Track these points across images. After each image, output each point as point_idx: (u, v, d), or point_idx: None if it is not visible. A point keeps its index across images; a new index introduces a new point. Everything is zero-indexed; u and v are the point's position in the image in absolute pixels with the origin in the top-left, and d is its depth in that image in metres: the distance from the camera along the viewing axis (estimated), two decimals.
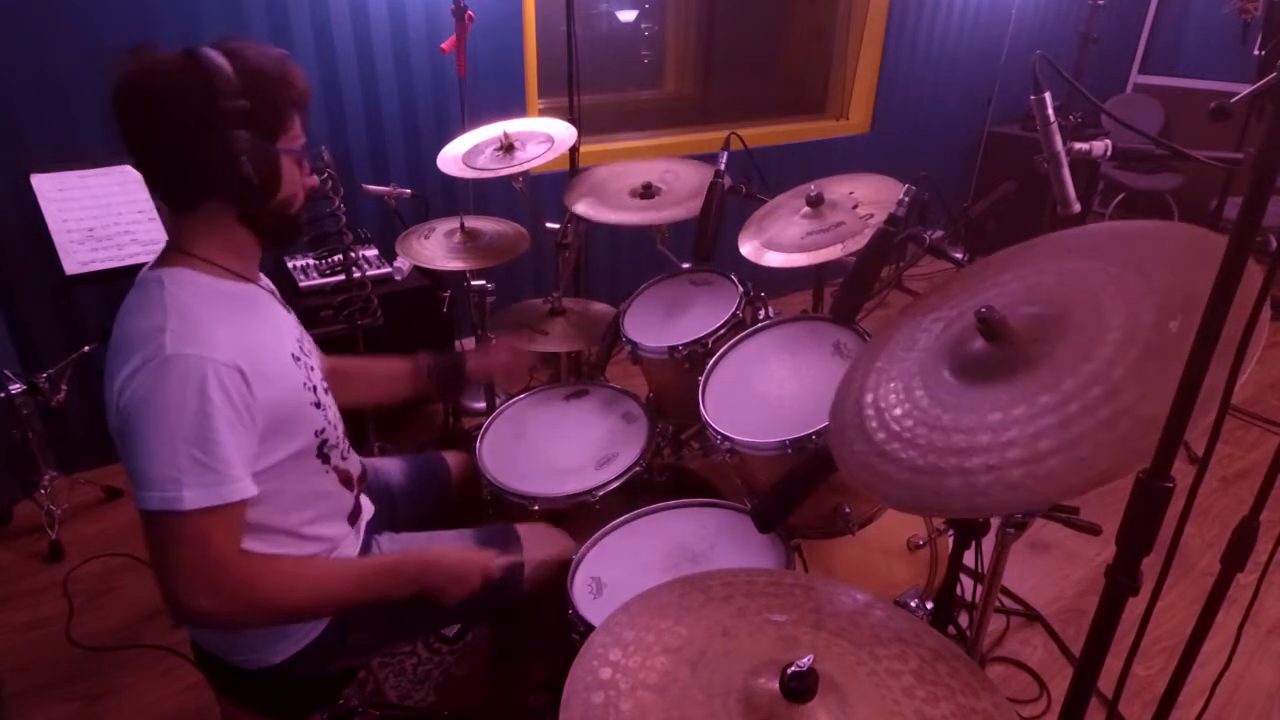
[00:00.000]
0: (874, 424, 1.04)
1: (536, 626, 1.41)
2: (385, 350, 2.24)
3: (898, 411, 1.03)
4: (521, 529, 1.40)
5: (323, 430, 1.16)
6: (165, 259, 1.06)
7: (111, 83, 0.97)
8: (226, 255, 1.08)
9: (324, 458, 1.17)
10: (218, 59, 0.97)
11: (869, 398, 1.09)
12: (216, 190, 1.02)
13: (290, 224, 1.13)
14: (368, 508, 1.35)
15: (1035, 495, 0.82)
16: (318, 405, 1.15)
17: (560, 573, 1.34)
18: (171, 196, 1.05)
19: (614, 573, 1.33)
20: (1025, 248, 1.14)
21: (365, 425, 2.34)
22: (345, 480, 1.23)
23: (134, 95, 0.96)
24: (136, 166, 1.02)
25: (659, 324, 1.79)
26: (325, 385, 1.21)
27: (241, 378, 0.98)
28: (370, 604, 1.12)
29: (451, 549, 1.24)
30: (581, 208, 2.02)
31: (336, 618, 1.19)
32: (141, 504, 0.94)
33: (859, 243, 1.55)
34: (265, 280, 1.20)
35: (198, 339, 0.96)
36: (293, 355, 1.12)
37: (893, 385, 1.08)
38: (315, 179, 1.14)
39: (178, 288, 1.01)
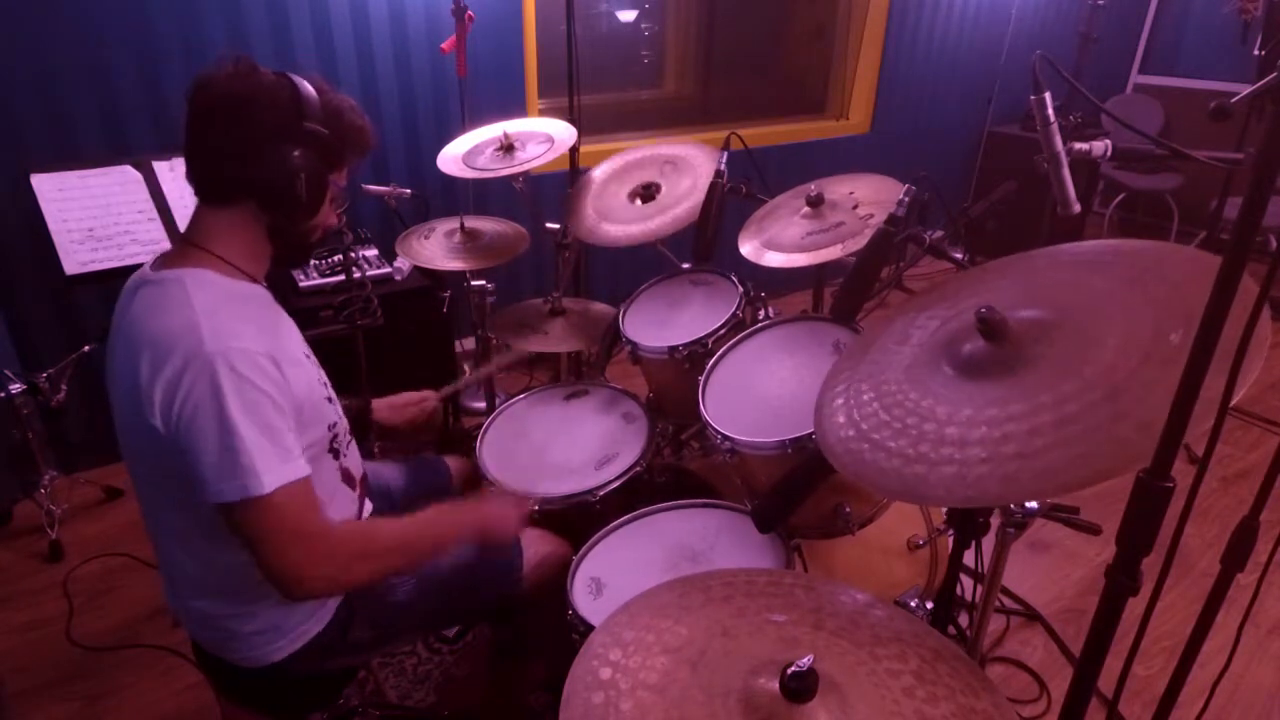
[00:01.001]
0: (859, 414, 1.05)
1: (536, 626, 1.41)
2: (385, 351, 2.26)
3: (886, 402, 1.03)
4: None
5: (334, 424, 1.19)
6: (180, 257, 1.07)
7: (204, 76, 1.04)
8: (242, 257, 1.10)
9: (334, 453, 1.19)
10: (309, 87, 1.07)
11: (856, 389, 1.09)
12: (262, 194, 1.07)
13: (306, 248, 1.20)
14: (367, 509, 1.35)
15: (1030, 488, 0.83)
16: (329, 400, 1.18)
17: (560, 573, 1.34)
18: (213, 187, 1.08)
19: (614, 573, 1.33)
20: (1022, 258, 1.15)
21: (366, 425, 2.34)
22: (348, 479, 1.24)
23: (226, 90, 1.03)
24: (190, 151, 1.06)
25: (659, 324, 1.79)
26: (330, 383, 1.23)
27: (276, 367, 1.01)
28: (435, 552, 1.20)
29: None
30: (586, 228, 2.02)
31: (336, 616, 1.19)
32: (219, 497, 0.96)
33: (859, 243, 1.55)
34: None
35: (234, 333, 0.99)
36: (304, 353, 1.16)
37: (882, 378, 1.08)
38: (335, 220, 1.20)
39: (200, 288, 1.03)
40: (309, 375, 1.13)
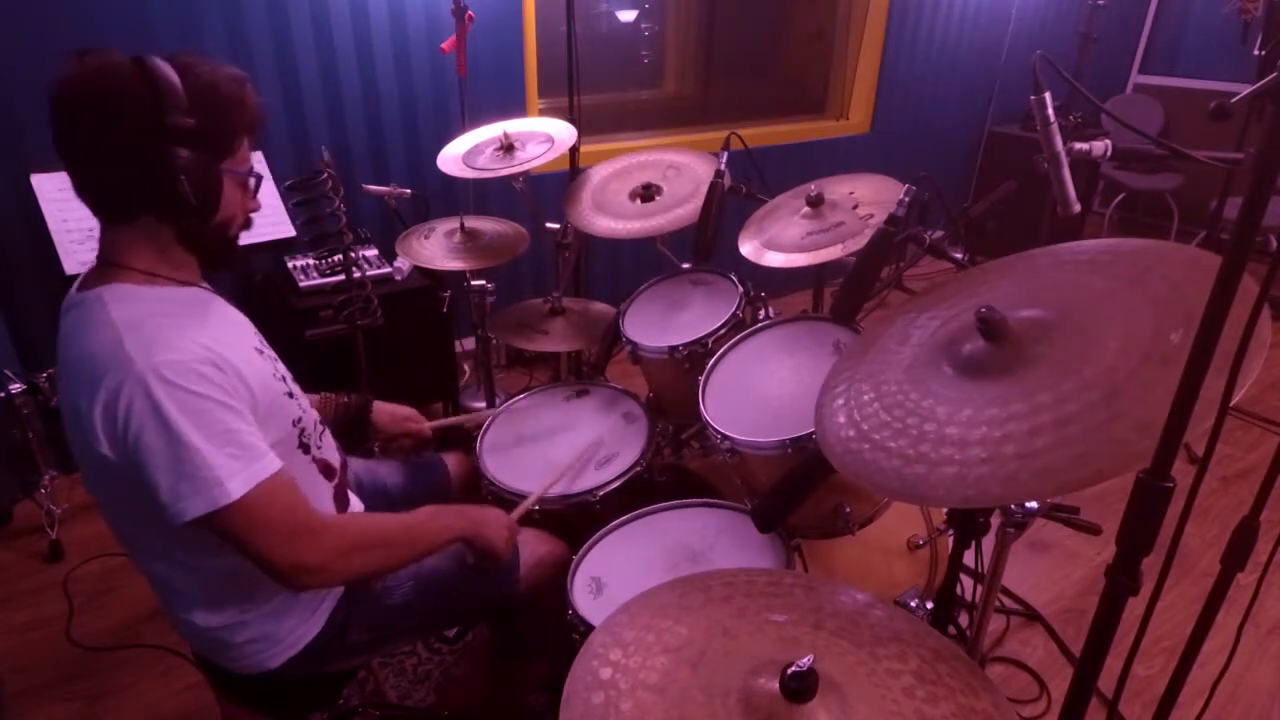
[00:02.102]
0: (860, 414, 1.05)
1: (536, 626, 1.41)
2: (385, 351, 2.26)
3: (887, 402, 1.03)
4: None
5: (299, 420, 1.15)
6: (99, 276, 1.02)
7: (52, 81, 0.93)
8: (161, 266, 1.04)
9: (304, 448, 1.17)
10: (169, 72, 0.94)
11: (856, 389, 1.09)
12: (152, 206, 0.99)
13: (226, 245, 1.10)
14: (356, 504, 1.34)
15: (1030, 488, 0.83)
16: (290, 395, 1.15)
17: (560, 573, 1.34)
18: (104, 207, 1.01)
19: (614, 573, 1.33)
20: (1022, 258, 1.15)
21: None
22: (325, 470, 1.22)
23: (77, 98, 0.93)
24: (68, 170, 0.98)
25: (659, 324, 1.79)
26: (291, 376, 1.20)
27: (217, 368, 0.97)
28: (424, 551, 1.17)
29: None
30: (583, 220, 2.02)
31: (333, 619, 1.19)
32: (186, 515, 0.92)
33: (859, 243, 1.55)
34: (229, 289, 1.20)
35: (161, 344, 0.94)
36: (255, 349, 1.11)
37: (883, 378, 1.08)
38: (258, 203, 1.12)
39: (119, 303, 0.98)
40: (263, 372, 1.08)
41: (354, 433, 1.49)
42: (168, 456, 0.91)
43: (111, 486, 1.01)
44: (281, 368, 1.18)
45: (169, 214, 1.01)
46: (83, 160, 0.97)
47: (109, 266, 1.02)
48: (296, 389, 1.19)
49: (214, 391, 0.95)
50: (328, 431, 1.28)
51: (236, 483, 0.94)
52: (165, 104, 0.93)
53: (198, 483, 0.92)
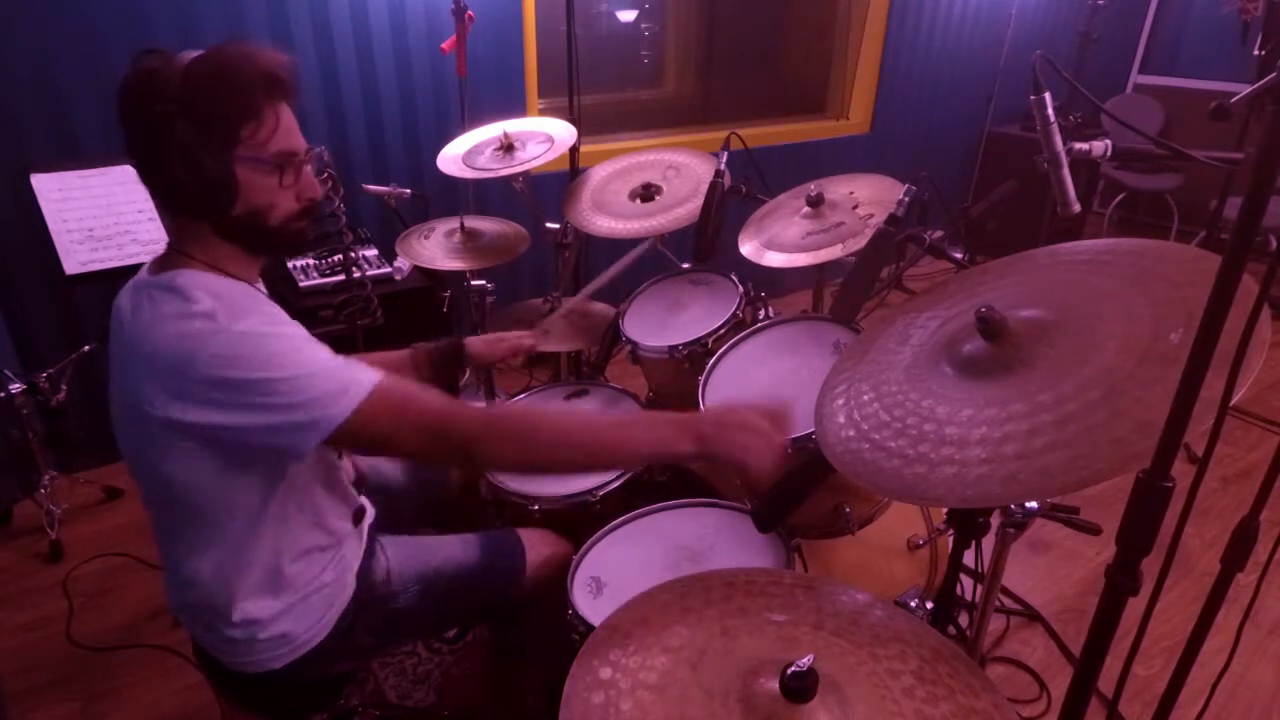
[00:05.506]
0: (860, 414, 1.05)
1: (536, 626, 1.41)
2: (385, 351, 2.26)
3: (887, 402, 1.03)
4: (522, 532, 1.40)
5: None
6: (168, 262, 1.03)
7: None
8: (221, 259, 1.04)
9: (339, 453, 1.18)
10: (170, 66, 0.93)
11: (856, 389, 1.09)
12: (178, 201, 0.99)
13: (271, 235, 1.04)
14: (370, 510, 1.35)
15: (1030, 488, 0.83)
16: None
17: (560, 573, 1.34)
18: (156, 201, 1.03)
19: (614, 573, 1.33)
20: (1022, 258, 1.15)
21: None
22: (352, 481, 1.24)
23: (117, 103, 0.96)
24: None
25: (659, 324, 1.79)
26: None
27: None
28: (632, 452, 1.09)
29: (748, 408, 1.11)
30: (583, 219, 2.02)
31: (339, 623, 1.18)
32: (331, 425, 0.93)
33: (859, 243, 1.55)
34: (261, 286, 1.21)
35: (247, 310, 0.96)
36: None
37: (883, 378, 1.08)
38: (314, 188, 1.06)
39: (198, 287, 0.99)
40: None
41: (451, 371, 1.53)
42: (290, 385, 0.92)
43: (179, 469, 0.98)
44: None
45: (186, 208, 1.00)
46: (131, 158, 0.98)
47: (177, 254, 1.03)
48: None
49: (303, 331, 0.98)
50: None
51: (366, 374, 0.95)
52: (158, 97, 0.92)
53: (331, 394, 0.93)
